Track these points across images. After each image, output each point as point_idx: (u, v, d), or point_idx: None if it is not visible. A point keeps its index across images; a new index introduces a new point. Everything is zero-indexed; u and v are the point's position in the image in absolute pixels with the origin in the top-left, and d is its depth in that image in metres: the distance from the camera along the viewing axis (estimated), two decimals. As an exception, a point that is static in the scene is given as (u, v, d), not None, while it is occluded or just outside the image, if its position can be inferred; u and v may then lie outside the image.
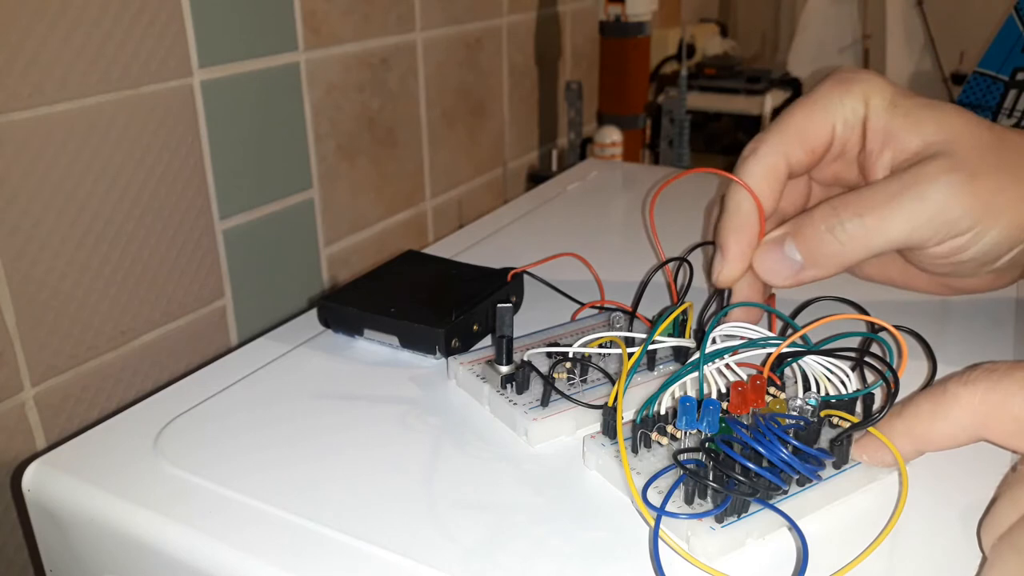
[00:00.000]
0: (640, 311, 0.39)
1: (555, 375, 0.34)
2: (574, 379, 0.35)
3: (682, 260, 0.40)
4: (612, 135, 0.90)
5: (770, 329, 0.37)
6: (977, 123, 0.35)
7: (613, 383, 0.34)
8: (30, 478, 0.32)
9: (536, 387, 0.34)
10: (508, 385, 0.34)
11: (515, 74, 0.89)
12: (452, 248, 0.52)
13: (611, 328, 0.38)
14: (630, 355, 0.34)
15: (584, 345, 0.35)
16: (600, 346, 0.36)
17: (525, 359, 0.35)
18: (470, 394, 0.36)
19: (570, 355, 0.35)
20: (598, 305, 0.42)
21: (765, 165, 0.36)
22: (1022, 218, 0.34)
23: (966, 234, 0.34)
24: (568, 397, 0.33)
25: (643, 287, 0.39)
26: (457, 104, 0.80)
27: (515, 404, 0.33)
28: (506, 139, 0.90)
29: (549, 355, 0.36)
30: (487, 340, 0.41)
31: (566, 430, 0.33)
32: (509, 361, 0.35)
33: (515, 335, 0.37)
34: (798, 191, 0.41)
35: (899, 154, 0.35)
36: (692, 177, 0.68)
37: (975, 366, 0.28)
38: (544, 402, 0.33)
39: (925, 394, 0.28)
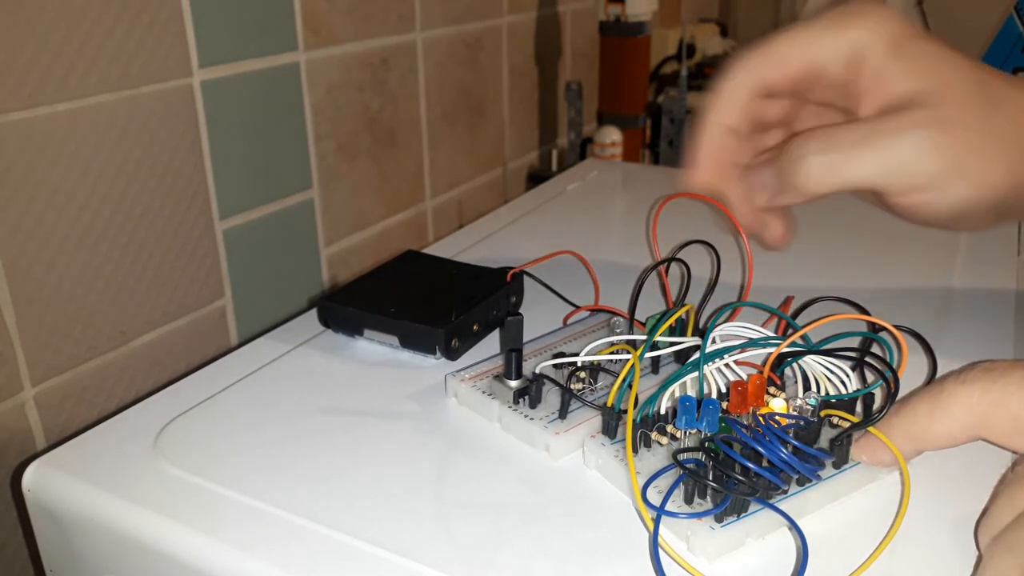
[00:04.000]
0: (637, 313, 0.39)
1: (572, 386, 0.34)
2: (584, 388, 0.34)
3: (676, 260, 0.40)
4: (612, 135, 0.90)
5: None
6: (978, 79, 0.33)
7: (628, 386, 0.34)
8: (30, 478, 0.32)
9: (549, 399, 0.33)
10: (521, 400, 0.33)
11: (515, 74, 0.89)
12: (452, 248, 0.52)
13: (611, 332, 0.37)
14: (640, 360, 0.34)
15: (591, 353, 0.35)
16: (612, 353, 0.36)
17: (538, 372, 0.34)
18: (476, 412, 0.35)
19: (579, 363, 0.34)
20: (591, 309, 0.42)
21: (735, 83, 0.36)
22: (995, 178, 0.33)
23: (928, 191, 0.33)
24: (593, 406, 0.32)
25: (638, 290, 0.39)
26: (457, 104, 0.80)
27: (531, 419, 0.33)
28: (506, 139, 0.90)
29: (556, 366, 0.35)
30: (480, 348, 0.40)
31: (586, 440, 0.32)
32: (519, 375, 0.34)
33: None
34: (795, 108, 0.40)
35: (886, 97, 0.34)
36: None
37: (972, 365, 0.28)
38: (562, 414, 0.33)
39: (922, 393, 0.29)
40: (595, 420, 0.32)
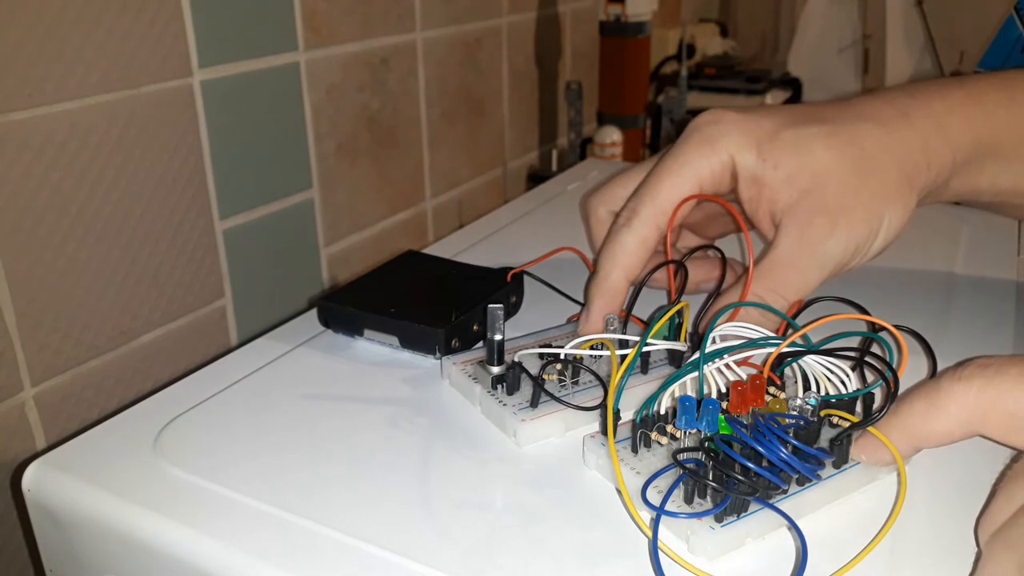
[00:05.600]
0: (636, 313, 0.39)
1: (545, 376, 0.34)
2: (565, 381, 0.35)
3: (679, 263, 0.40)
4: (612, 135, 0.90)
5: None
6: (840, 153, 0.37)
7: (603, 384, 0.34)
8: (30, 478, 0.32)
9: (527, 388, 0.34)
10: (499, 386, 0.34)
11: (515, 74, 0.89)
12: (452, 248, 0.52)
13: (605, 329, 0.38)
14: (621, 357, 0.34)
15: (576, 347, 0.35)
16: (592, 348, 0.36)
17: (516, 360, 0.35)
18: (462, 394, 0.36)
19: (561, 356, 0.35)
20: None
21: (639, 237, 0.39)
22: (902, 213, 0.37)
23: (864, 253, 0.37)
24: (557, 399, 0.33)
25: (638, 289, 0.40)
26: (457, 104, 0.80)
27: (505, 405, 0.33)
28: (506, 139, 0.90)
29: (541, 356, 0.36)
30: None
31: (556, 432, 0.33)
32: (500, 362, 0.35)
33: (511, 335, 0.37)
34: (701, 210, 0.44)
35: (776, 204, 0.38)
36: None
37: (968, 361, 0.28)
38: (534, 403, 0.33)
39: (919, 391, 0.29)
40: (566, 412, 0.33)
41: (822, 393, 0.32)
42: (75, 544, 0.32)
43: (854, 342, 0.34)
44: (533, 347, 0.37)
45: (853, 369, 0.32)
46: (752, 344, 0.33)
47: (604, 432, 0.31)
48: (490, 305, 0.35)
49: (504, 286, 0.42)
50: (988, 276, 0.48)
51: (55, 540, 0.33)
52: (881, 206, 0.37)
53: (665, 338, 0.36)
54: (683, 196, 0.38)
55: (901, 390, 0.30)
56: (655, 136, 1.03)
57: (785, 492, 0.28)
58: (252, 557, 0.27)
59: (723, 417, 0.29)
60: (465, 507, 0.29)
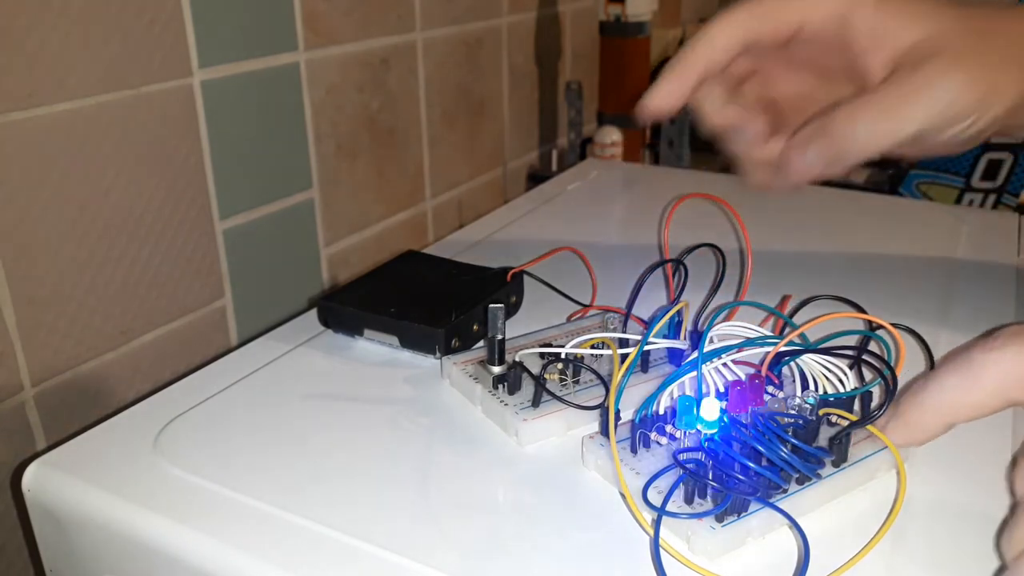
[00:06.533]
0: (635, 312, 0.39)
1: (547, 376, 0.34)
2: (566, 380, 0.35)
3: (678, 262, 0.40)
4: (612, 135, 0.90)
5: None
6: (956, 18, 0.36)
7: (605, 384, 0.34)
8: (30, 478, 0.32)
9: (528, 388, 0.34)
10: (500, 386, 0.34)
11: (515, 74, 0.89)
12: (452, 248, 0.52)
13: (605, 328, 0.38)
14: (622, 356, 0.34)
15: (577, 346, 0.35)
16: (593, 347, 0.36)
17: (517, 360, 0.35)
18: (463, 394, 0.36)
19: (562, 356, 0.35)
20: (599, 310, 0.42)
21: (728, 33, 0.37)
22: (1011, 100, 0.35)
23: (966, 121, 0.35)
24: (558, 398, 0.33)
25: (638, 288, 0.40)
26: (457, 104, 0.80)
27: (506, 405, 0.33)
28: (506, 139, 0.90)
29: (542, 355, 0.36)
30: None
31: (557, 431, 0.33)
32: (501, 362, 0.35)
33: (512, 335, 0.37)
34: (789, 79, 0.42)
35: (895, 52, 0.36)
36: (695, 183, 0.68)
37: (995, 332, 0.27)
38: (535, 403, 0.33)
39: (947, 367, 0.28)
40: (568, 412, 0.33)
41: (820, 392, 0.32)
42: (75, 544, 0.32)
43: (852, 340, 0.34)
44: (533, 347, 0.37)
45: (851, 367, 0.32)
46: (750, 343, 0.33)
47: (604, 433, 0.31)
48: (491, 305, 0.35)
49: (504, 286, 0.42)
50: (987, 276, 0.48)
51: (55, 540, 0.33)
52: (997, 74, 0.35)
53: (665, 337, 0.36)
54: (789, 18, 0.37)
55: (899, 389, 0.30)
56: (655, 136, 1.03)
57: (785, 491, 0.28)
58: (252, 557, 0.27)
59: (722, 417, 0.29)
60: (465, 507, 0.29)
